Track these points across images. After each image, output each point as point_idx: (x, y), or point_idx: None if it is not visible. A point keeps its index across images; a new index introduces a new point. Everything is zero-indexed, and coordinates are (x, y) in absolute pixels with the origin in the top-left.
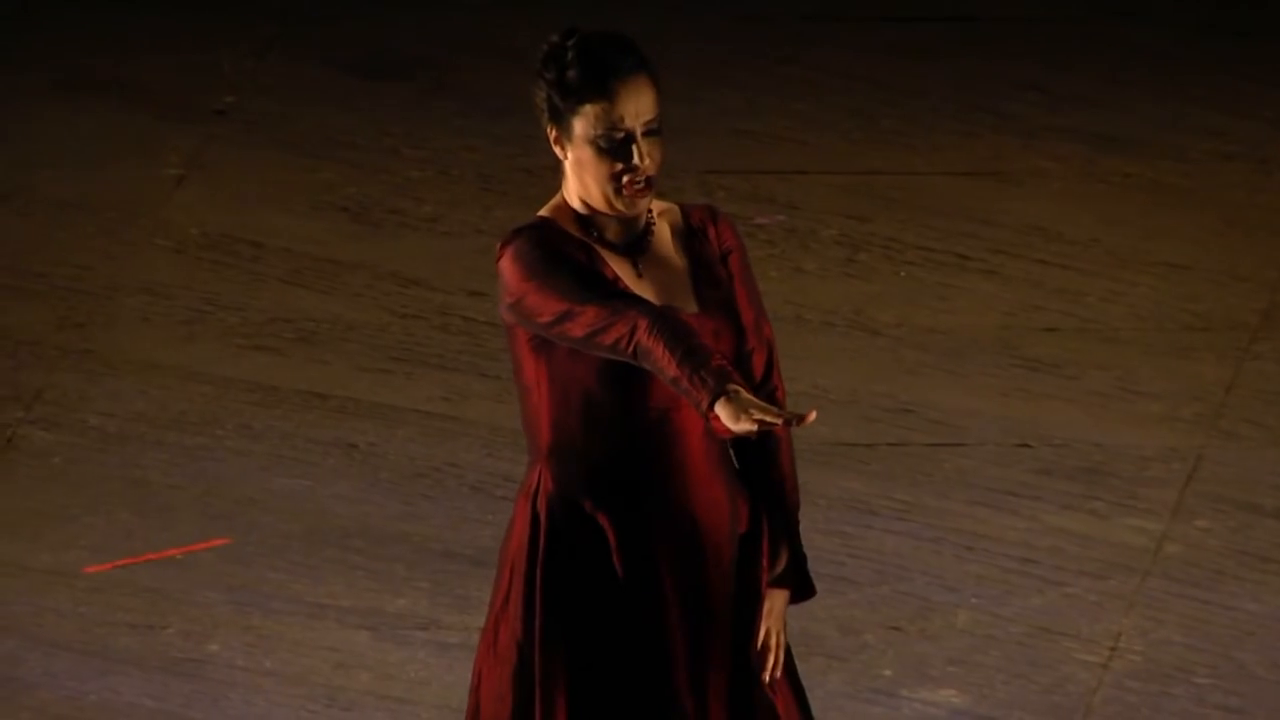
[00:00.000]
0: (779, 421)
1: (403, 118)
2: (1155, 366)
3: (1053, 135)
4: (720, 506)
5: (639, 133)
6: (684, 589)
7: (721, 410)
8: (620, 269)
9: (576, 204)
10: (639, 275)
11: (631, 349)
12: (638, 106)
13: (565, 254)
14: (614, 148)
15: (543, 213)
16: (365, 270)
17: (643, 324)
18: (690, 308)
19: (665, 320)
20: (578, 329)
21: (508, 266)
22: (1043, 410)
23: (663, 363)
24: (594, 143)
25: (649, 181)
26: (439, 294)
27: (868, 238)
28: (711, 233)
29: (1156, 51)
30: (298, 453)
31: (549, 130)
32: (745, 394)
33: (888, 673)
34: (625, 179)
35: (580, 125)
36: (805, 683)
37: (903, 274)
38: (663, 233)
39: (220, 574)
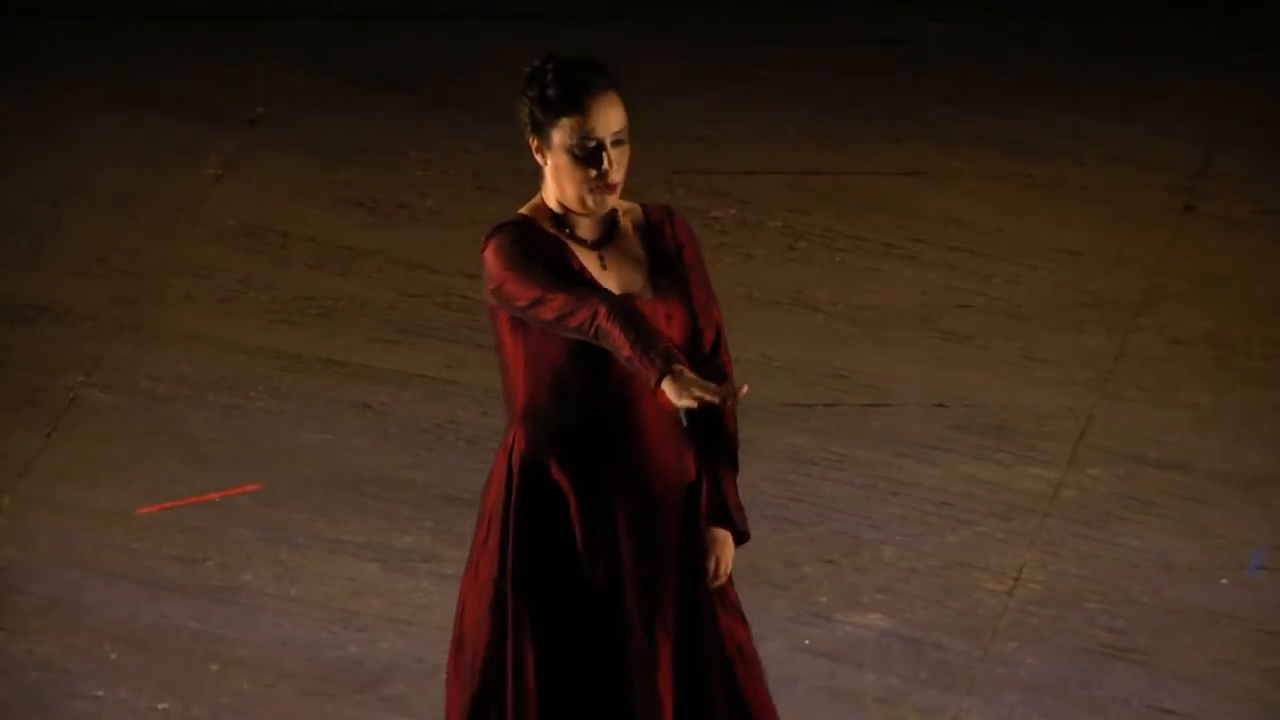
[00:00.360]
0: (715, 398)
1: (410, 125)
2: (1053, 338)
3: (967, 140)
4: (671, 461)
5: (609, 142)
6: (638, 534)
7: (667, 387)
8: (587, 260)
9: (553, 204)
10: (603, 266)
11: (593, 331)
12: (607, 120)
13: (540, 248)
14: (587, 156)
15: (523, 211)
16: (377, 256)
17: (602, 310)
18: (646, 294)
19: (621, 307)
20: (548, 313)
21: (490, 257)
22: (957, 375)
23: (619, 343)
24: (570, 151)
25: (613, 185)
26: (440, 276)
27: (807, 228)
28: (668, 230)
29: (1055, 69)
30: (319, 411)
31: (530, 141)
32: (688, 373)
33: (824, 599)
34: (596, 183)
35: (558, 136)
36: (752, 608)
37: (837, 259)
38: (626, 229)
39: (253, 515)
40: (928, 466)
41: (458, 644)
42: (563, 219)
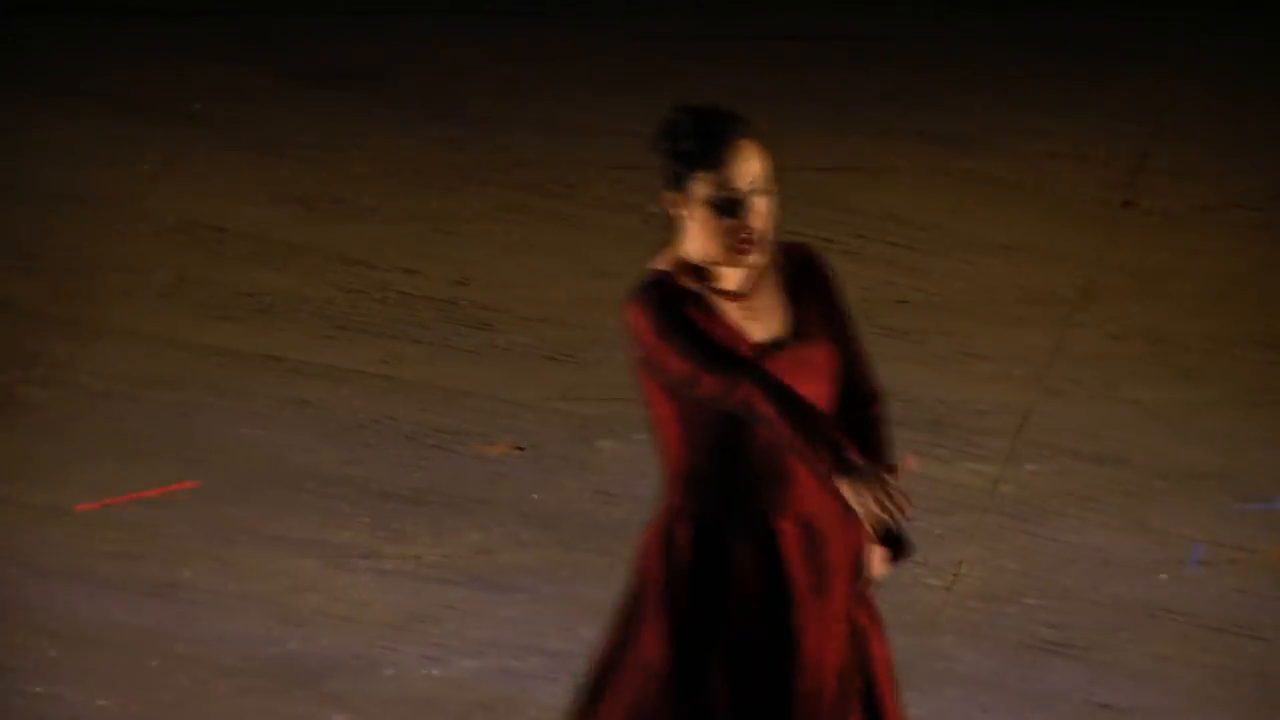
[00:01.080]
0: (897, 510)
1: (348, 121)
2: (990, 333)
3: (906, 136)
4: (841, 513)
5: (749, 193)
6: (817, 588)
7: (845, 488)
8: (731, 313)
9: (694, 257)
10: (747, 316)
11: (748, 413)
12: (746, 170)
13: (685, 312)
14: (727, 208)
15: (660, 266)
16: (315, 252)
17: (757, 394)
18: (791, 339)
19: (776, 389)
20: (701, 392)
21: (637, 323)
22: (895, 370)
23: (779, 428)
24: (709, 204)
25: (760, 237)
26: (378, 272)
27: None
28: (809, 267)
29: (994, 66)
30: (258, 407)
31: (666, 195)
32: (863, 467)
33: None
34: (739, 235)
35: (696, 190)
36: None
37: None
38: (766, 271)
39: (191, 511)
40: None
41: None
42: (703, 271)
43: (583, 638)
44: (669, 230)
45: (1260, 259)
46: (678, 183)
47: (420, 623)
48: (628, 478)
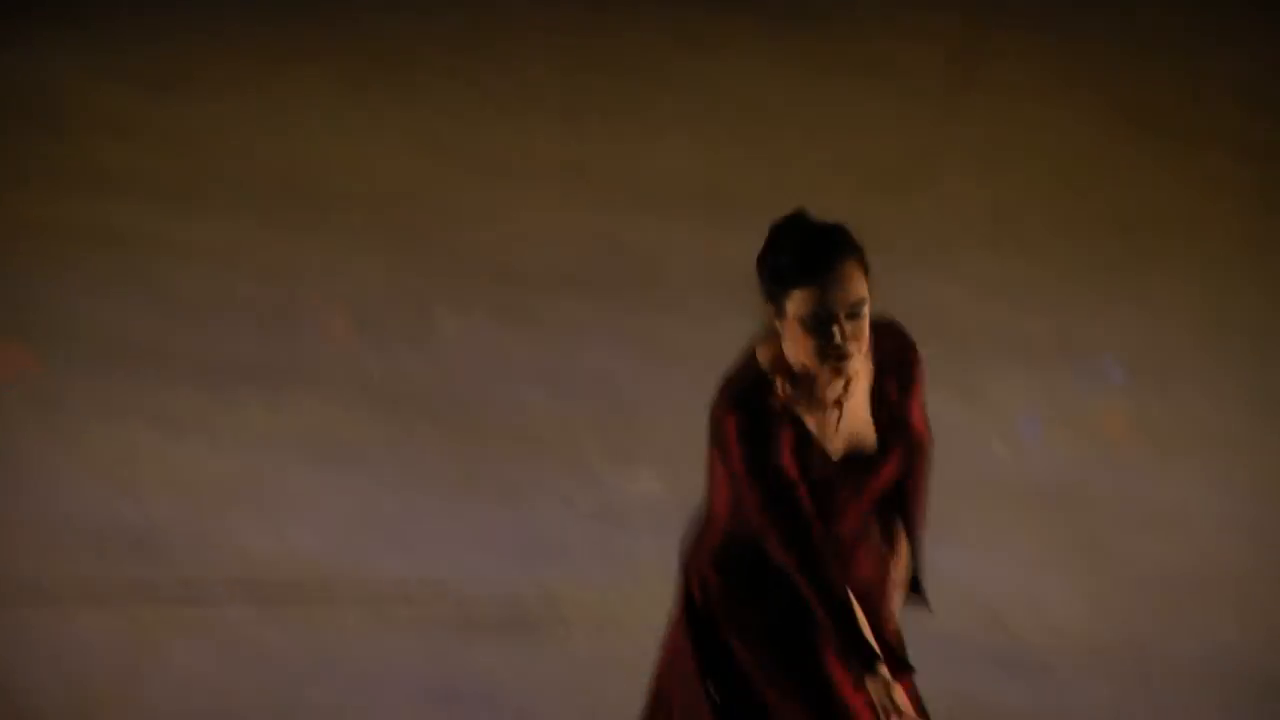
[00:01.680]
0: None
1: None
2: (846, 209)
3: (747, 12)
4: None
5: (842, 315)
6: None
7: (869, 687)
8: (820, 428)
9: (791, 361)
10: (837, 429)
11: (792, 577)
12: (843, 294)
13: (773, 447)
14: (819, 327)
15: (762, 361)
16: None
17: (803, 579)
18: (869, 448)
19: (821, 582)
20: (766, 537)
21: (729, 439)
22: (731, 244)
23: (815, 609)
24: (802, 321)
25: (847, 355)
26: None
27: (584, 99)
28: (901, 366)
29: None
30: (97, 282)
31: (767, 304)
32: (885, 685)
33: (598, 464)
34: (829, 353)
35: (791, 306)
36: (528, 472)
37: (613, 129)
38: (858, 375)
39: (28, 383)
40: (702, 334)
41: None
42: (798, 378)
43: (418, 506)
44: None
45: (1099, 136)
46: (773, 296)
47: (256, 493)
48: (465, 350)
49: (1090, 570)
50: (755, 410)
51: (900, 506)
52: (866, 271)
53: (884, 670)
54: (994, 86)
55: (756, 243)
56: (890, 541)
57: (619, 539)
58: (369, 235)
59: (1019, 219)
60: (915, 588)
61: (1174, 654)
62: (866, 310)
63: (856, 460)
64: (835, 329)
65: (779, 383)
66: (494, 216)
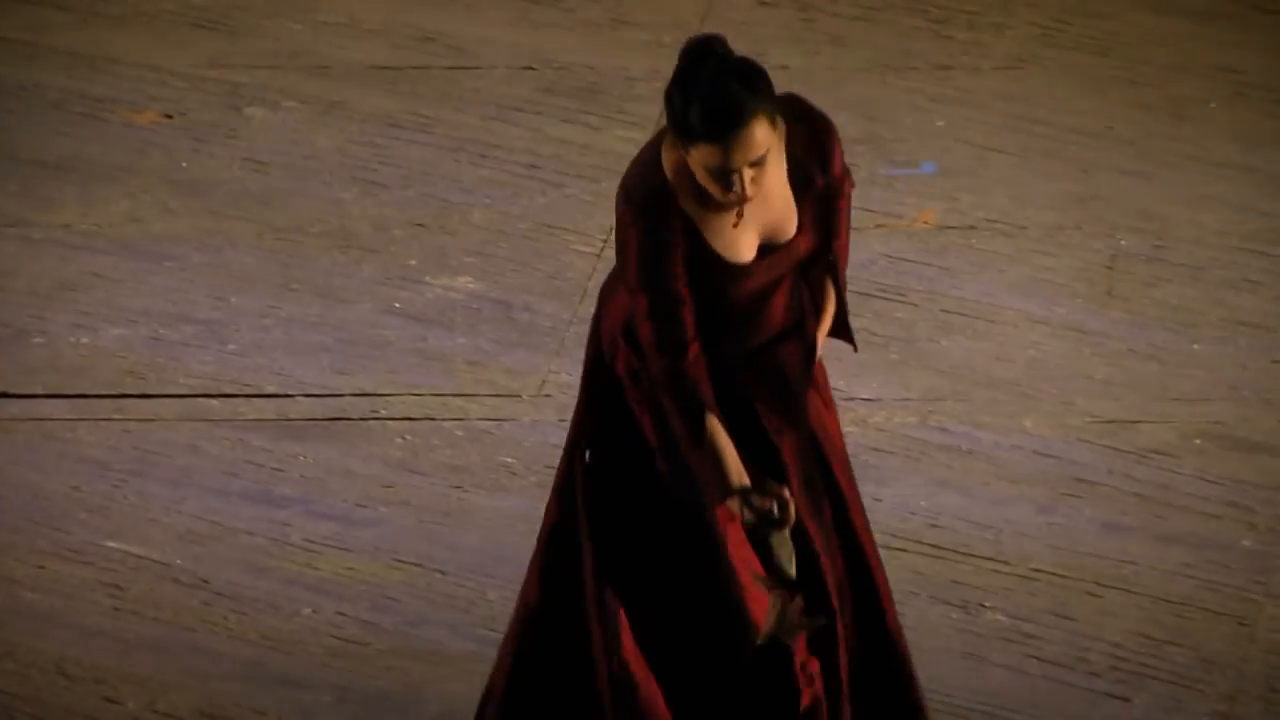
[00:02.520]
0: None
1: None
2: (641, 0)
3: None
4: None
5: (745, 169)
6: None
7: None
8: (719, 224)
9: (695, 173)
10: (739, 223)
11: (650, 387)
12: (746, 152)
13: (667, 263)
14: (721, 178)
15: (666, 166)
16: None
17: (672, 406)
18: (787, 233)
19: (690, 411)
20: (636, 325)
21: (618, 224)
22: (545, 37)
23: (679, 438)
24: (704, 168)
25: (748, 199)
26: None
27: None
28: (823, 155)
29: None
30: None
31: (671, 133)
32: (747, 505)
33: (413, 262)
34: (730, 198)
35: (694, 153)
36: (342, 271)
37: None
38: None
39: None
40: (516, 129)
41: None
42: (702, 189)
43: (233, 305)
44: None
45: None
46: (679, 139)
47: (69, 291)
48: (277, 145)
49: (905, 365)
50: (654, 222)
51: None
52: (775, 115)
53: (736, 503)
54: None
55: (567, 36)
56: (816, 296)
57: (434, 338)
58: (178, 25)
59: (825, 8)
60: (843, 329)
61: (987, 450)
62: (769, 155)
63: (773, 250)
64: (736, 178)
65: (681, 192)
66: (305, 7)
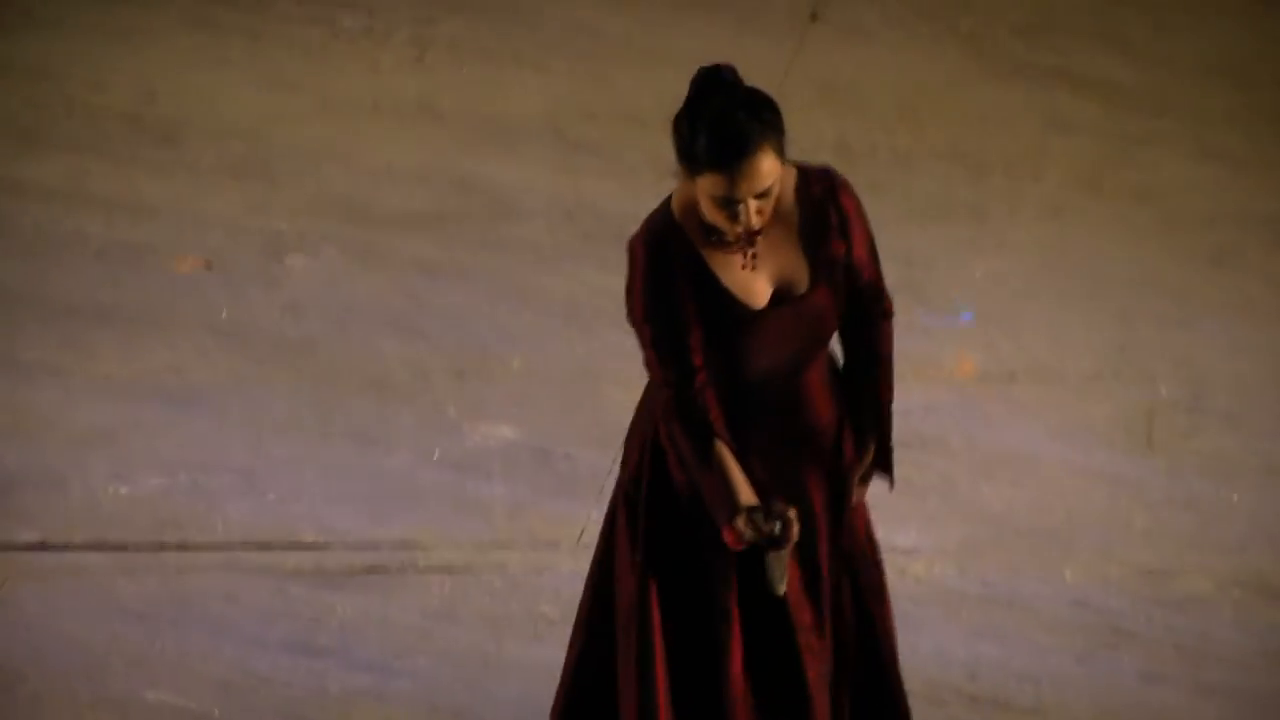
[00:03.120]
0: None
1: None
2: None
3: None
4: (826, 425)
5: (750, 199)
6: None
7: (736, 526)
8: (733, 268)
9: (705, 215)
10: (749, 266)
11: (665, 426)
12: (752, 183)
13: (676, 290)
14: (727, 207)
15: (676, 208)
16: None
17: (677, 429)
18: (800, 285)
19: (696, 434)
20: (648, 369)
21: (628, 269)
22: (585, 185)
23: (685, 462)
24: (710, 197)
25: (756, 232)
26: (64, 85)
27: (434, 38)
28: (830, 205)
29: None
30: None
31: (679, 167)
32: (751, 525)
33: (452, 410)
34: (735, 229)
35: (701, 183)
36: (381, 419)
37: (464, 69)
38: (785, 208)
39: None
40: (556, 276)
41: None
42: (709, 227)
43: (271, 454)
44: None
45: (946, 73)
46: (685, 165)
47: (108, 440)
48: (316, 292)
49: (945, 516)
50: (662, 251)
51: (865, 368)
52: (782, 145)
53: (741, 522)
54: (839, 22)
55: (607, 183)
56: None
57: (473, 486)
58: (218, 173)
59: (863, 155)
60: (883, 464)
61: (1027, 599)
62: (775, 187)
63: (786, 303)
64: (741, 209)
65: (692, 227)
66: (344, 154)
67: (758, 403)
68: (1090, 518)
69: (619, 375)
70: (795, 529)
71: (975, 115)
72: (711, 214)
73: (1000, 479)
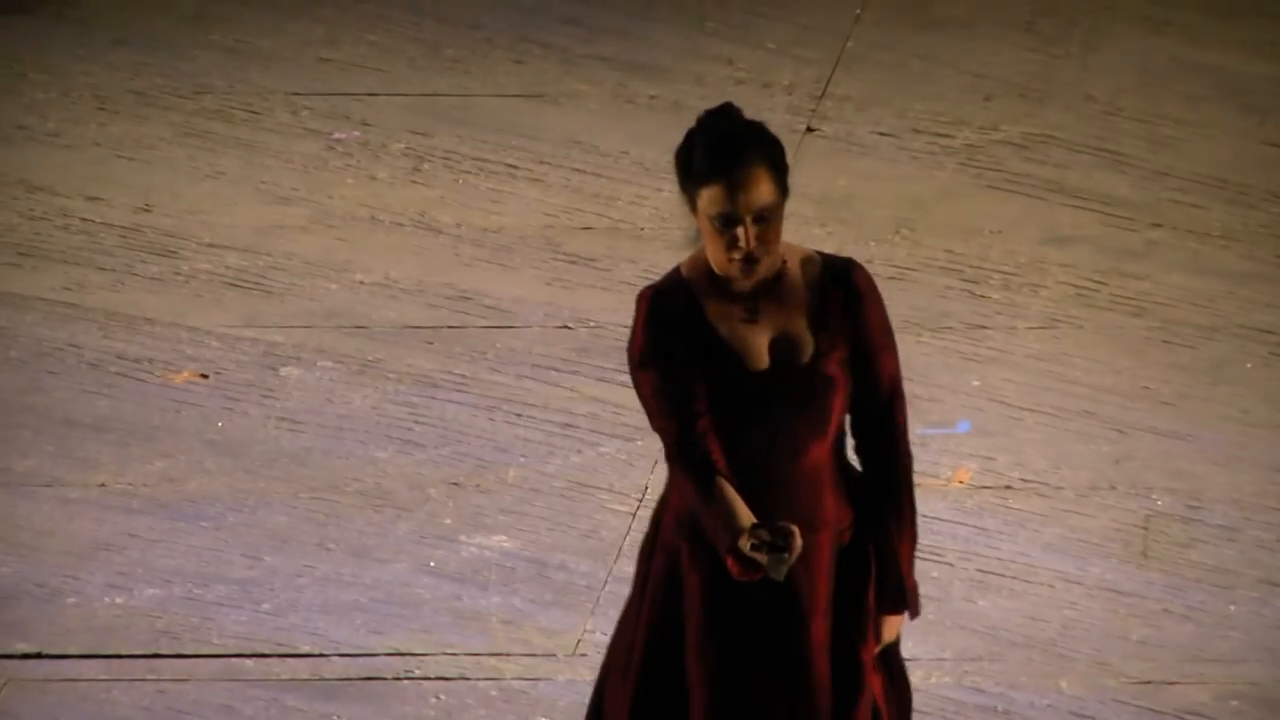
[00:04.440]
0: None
1: (28, 45)
2: (675, 260)
3: (589, 62)
4: (828, 516)
5: (749, 219)
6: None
7: (732, 564)
8: (736, 330)
9: (710, 262)
10: (751, 320)
11: (670, 472)
12: (749, 197)
13: (675, 343)
14: (726, 228)
15: (684, 266)
16: None
17: (680, 475)
18: (804, 351)
19: (701, 478)
20: (650, 421)
21: (633, 329)
22: (581, 297)
23: (688, 500)
24: (710, 220)
25: (754, 259)
26: (61, 198)
27: (430, 150)
28: (843, 283)
29: None
30: None
31: (684, 198)
32: (754, 538)
33: (448, 521)
34: (734, 256)
35: (700, 204)
36: (377, 530)
37: (460, 181)
38: (794, 280)
39: None
40: (551, 388)
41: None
42: (718, 278)
43: (267, 565)
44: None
45: (942, 183)
46: (686, 191)
47: (104, 551)
48: (313, 404)
49: (948, 628)
50: (664, 306)
51: (883, 494)
52: (782, 175)
53: (743, 541)
54: (835, 135)
55: (603, 296)
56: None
57: (469, 597)
58: (214, 285)
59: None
60: (898, 607)
61: (1023, 710)
62: (778, 217)
63: (788, 370)
64: (741, 231)
65: (701, 282)
66: (340, 266)
67: (756, 479)
68: (1086, 629)
69: (615, 485)
70: (797, 540)
71: (972, 227)
72: (713, 247)
73: (996, 590)
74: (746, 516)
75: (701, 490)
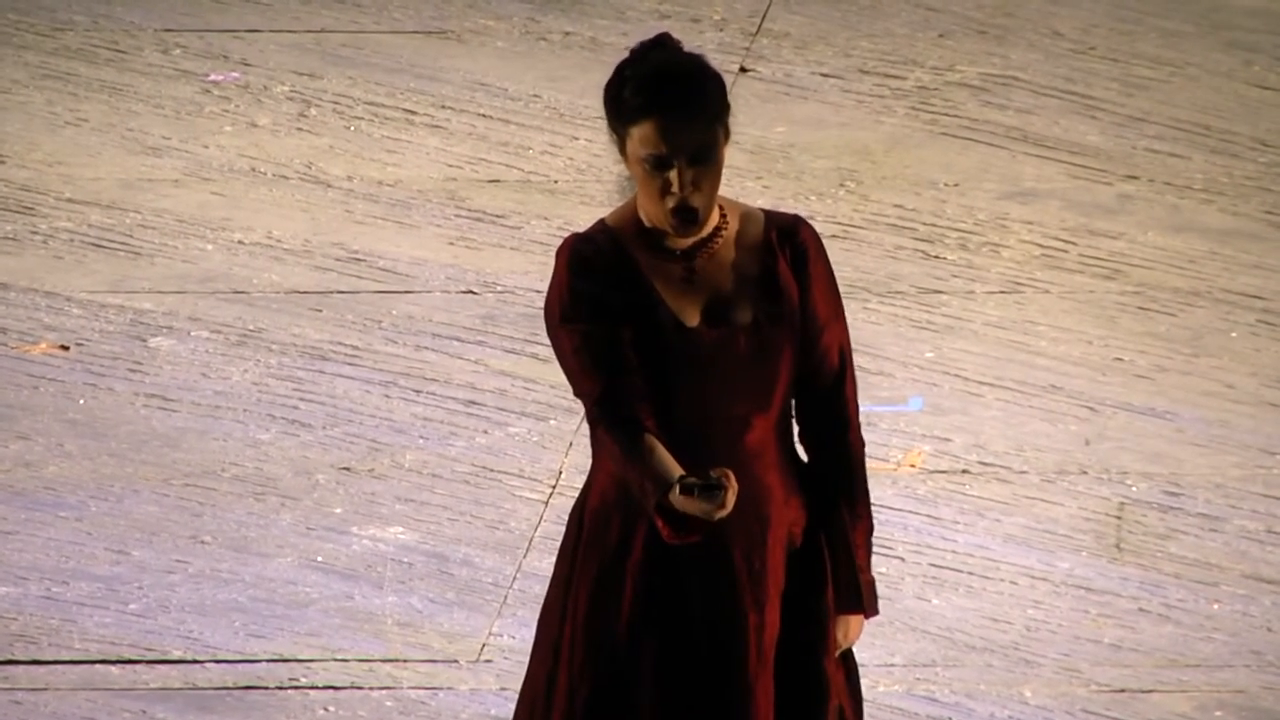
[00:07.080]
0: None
1: None
2: (593, 216)
3: None
4: (776, 498)
5: (684, 160)
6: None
7: (663, 527)
8: (665, 280)
9: (642, 213)
10: (689, 278)
11: (594, 432)
12: (685, 136)
13: (599, 296)
14: (659, 169)
15: (609, 218)
16: None
17: (606, 437)
18: (744, 318)
19: (625, 438)
20: (571, 384)
21: (553, 280)
22: (488, 258)
23: (615, 463)
24: (641, 163)
25: (691, 209)
26: None
27: (319, 94)
28: (788, 241)
29: None
30: None
31: (613, 140)
32: (684, 491)
33: (339, 511)
34: (672, 202)
35: (630, 144)
36: (259, 521)
37: (352, 129)
38: (735, 238)
39: None
40: (455, 361)
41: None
42: (649, 230)
43: (135, 560)
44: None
45: (892, 131)
46: (616, 133)
47: None
48: (186, 379)
49: (895, 626)
50: (586, 257)
51: (830, 482)
52: (723, 113)
53: (675, 495)
54: (771, 77)
55: (512, 257)
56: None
57: (361, 596)
58: (76, 246)
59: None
60: (854, 606)
61: (982, 717)
62: (717, 160)
63: (727, 335)
64: (674, 174)
65: (630, 236)
66: (218, 225)
67: (694, 457)
68: (1053, 631)
69: (525, 470)
70: (733, 480)
71: (925, 180)
72: (645, 194)
73: (952, 587)
74: (677, 469)
75: (627, 450)
